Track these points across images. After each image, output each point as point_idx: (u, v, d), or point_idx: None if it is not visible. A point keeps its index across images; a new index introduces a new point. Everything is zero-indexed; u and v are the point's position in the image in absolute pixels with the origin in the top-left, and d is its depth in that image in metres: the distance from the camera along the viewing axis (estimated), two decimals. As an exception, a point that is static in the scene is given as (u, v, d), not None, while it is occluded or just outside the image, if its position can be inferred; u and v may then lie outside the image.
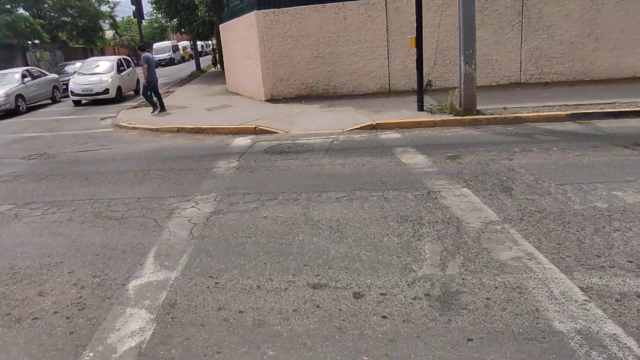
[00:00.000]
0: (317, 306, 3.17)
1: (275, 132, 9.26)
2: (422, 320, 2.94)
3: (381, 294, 3.26)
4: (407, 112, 9.70)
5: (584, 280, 3.23)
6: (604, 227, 4.00)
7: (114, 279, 3.81)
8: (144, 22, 31.29)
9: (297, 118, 10.31)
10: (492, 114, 8.94)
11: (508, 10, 11.67)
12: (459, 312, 2.98)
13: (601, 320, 2.81)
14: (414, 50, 9.49)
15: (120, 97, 17.57)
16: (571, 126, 8.09)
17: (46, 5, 29.64)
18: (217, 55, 31.02)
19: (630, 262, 3.42)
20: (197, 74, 28.10)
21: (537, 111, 8.90)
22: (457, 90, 9.21)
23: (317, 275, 3.56)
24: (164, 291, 3.53)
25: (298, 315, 3.08)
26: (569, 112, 8.66)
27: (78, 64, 21.68)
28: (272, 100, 12.88)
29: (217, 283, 3.59)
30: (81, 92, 17.00)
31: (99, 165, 7.89)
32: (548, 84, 11.85)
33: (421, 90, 9.66)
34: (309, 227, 4.49)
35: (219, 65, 29.75)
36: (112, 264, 4.09)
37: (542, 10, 11.58)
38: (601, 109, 8.72)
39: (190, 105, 14.04)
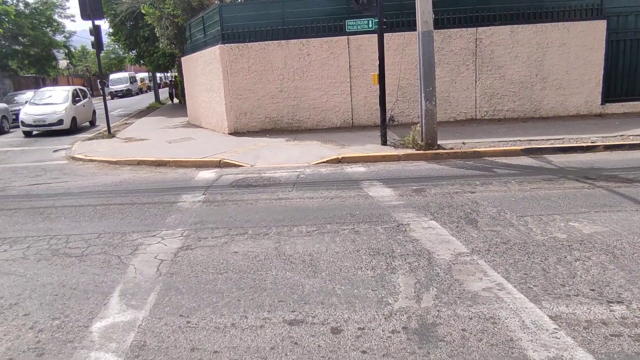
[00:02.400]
0: (295, 343, 3.11)
1: (240, 166, 9.21)
2: (401, 353, 2.93)
3: (359, 328, 3.23)
4: (371, 147, 9.92)
5: (552, 309, 3.34)
6: (566, 257, 4.18)
7: (75, 321, 3.59)
8: (102, 53, 30.84)
9: (263, 151, 10.32)
10: (452, 148, 9.28)
11: (463, 50, 12.32)
12: (437, 345, 3.00)
13: (572, 348, 2.90)
14: (376, 86, 9.81)
15: (75, 129, 17.06)
16: (526, 160, 8.51)
17: (-4, 33, 28.77)
18: (176, 87, 29.87)
19: (593, 290, 3.58)
20: (156, 106, 27.76)
21: (494, 146, 9.32)
22: (418, 125, 9.54)
23: (294, 311, 3.51)
24: (131, 332, 3.36)
25: (276, 354, 3.00)
26: (523, 147, 9.12)
27: (29, 94, 20.97)
28: (235, 133, 12.86)
29: (188, 322, 3.46)
30: (32, 123, 16.36)
31: (54, 200, 7.54)
32: (501, 120, 12.47)
33: (384, 125, 9.94)
34: (282, 261, 4.44)
35: (177, 100, 29.18)
36: (72, 304, 3.87)
37: (493, 52, 12.30)
38: (552, 144, 9.25)
39: (150, 138, 13.78)
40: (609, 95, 12.60)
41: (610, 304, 3.37)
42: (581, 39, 12.17)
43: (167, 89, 29.92)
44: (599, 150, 8.92)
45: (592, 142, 9.22)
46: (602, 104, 12.55)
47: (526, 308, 3.36)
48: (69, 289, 4.15)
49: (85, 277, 4.37)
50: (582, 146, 9.06)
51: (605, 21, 12.09)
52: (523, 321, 3.21)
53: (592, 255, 4.19)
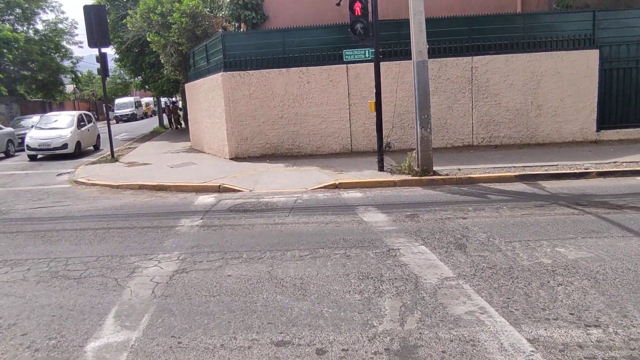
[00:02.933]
0: (281, 364, 3.22)
1: (239, 191, 9.39)
2: (382, 375, 3.04)
3: (343, 349, 3.34)
4: (368, 172, 10.10)
5: (531, 332, 3.45)
6: (549, 282, 4.29)
7: (71, 341, 3.72)
8: (107, 78, 31.46)
9: (262, 177, 10.52)
10: (448, 174, 9.45)
11: (459, 78, 12.62)
12: (418, 367, 3.11)
13: (548, 371, 3.00)
14: (374, 113, 10.05)
15: (79, 153, 17.37)
16: (519, 186, 8.65)
17: (6, 59, 29.47)
18: (174, 112, 29.43)
19: (572, 314, 3.68)
20: (160, 130, 28.19)
21: (489, 172, 9.48)
22: (414, 151, 9.73)
23: (281, 333, 3.62)
24: (124, 352, 3.48)
25: (262, 374, 3.11)
26: (517, 173, 9.29)
27: (35, 118, 21.43)
28: (236, 158, 13.09)
29: (179, 342, 3.58)
30: (38, 147, 16.70)
31: (55, 223, 7.71)
32: (498, 146, 12.68)
33: (381, 151, 10.15)
34: (273, 285, 4.57)
35: (179, 125, 29.05)
36: (69, 325, 3.99)
37: (489, 80, 12.60)
38: (545, 170, 9.41)
39: (152, 162, 14.04)
40: (603, 123, 12.81)
41: (588, 328, 3.47)
42: (575, 68, 12.46)
43: (173, 114, 29.70)
44: (592, 176, 9.07)
45: (585, 169, 9.38)
46: (597, 130, 12.77)
47: (506, 331, 3.47)
48: (67, 310, 4.28)
49: (82, 299, 4.50)
50: (576, 172, 9.21)
51: (597, 50, 12.40)
52: (502, 344, 3.31)
53: (574, 280, 4.30)
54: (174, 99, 41.46)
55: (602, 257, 4.84)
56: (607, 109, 12.77)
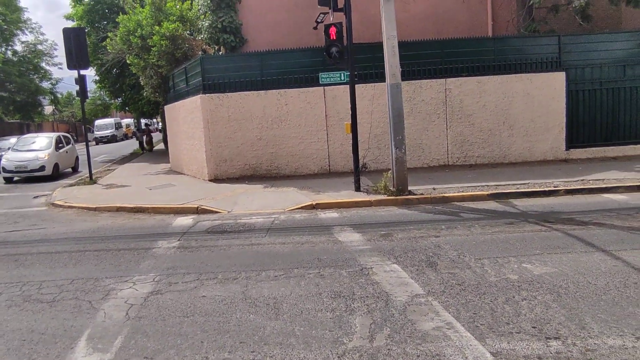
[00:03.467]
0: (251, 382, 3.28)
1: (217, 212, 9.43)
2: (350, 390, 3.12)
3: (313, 367, 3.42)
4: (345, 193, 10.26)
5: (495, 345, 3.58)
6: (514, 297, 4.46)
7: (42, 365, 3.72)
8: (87, 100, 31.18)
9: (240, 198, 10.58)
10: (422, 194, 9.66)
11: (433, 100, 12.98)
12: (385, 382, 3.20)
13: (509, 382, 3.12)
14: (351, 135, 10.27)
15: (57, 175, 17.17)
16: (492, 205, 8.90)
17: (-17, 80, 29.27)
18: (147, 134, 27.95)
19: (534, 327, 3.84)
20: (140, 152, 28.00)
21: (462, 191, 9.73)
22: (390, 172, 9.94)
23: (253, 352, 3.68)
24: (96, 375, 3.50)
25: (232, 392, 3.17)
26: (490, 192, 9.55)
27: (12, 140, 21.15)
28: (215, 180, 13.14)
29: (152, 364, 3.61)
30: (14, 169, 16.48)
31: (30, 247, 7.63)
32: (472, 166, 13.01)
33: (358, 172, 10.34)
34: (247, 305, 4.63)
35: (151, 147, 27.72)
36: (40, 349, 3.98)
37: (462, 101, 12.99)
38: (517, 189, 9.70)
39: (131, 184, 13.97)
40: (572, 142, 13.28)
41: (548, 340, 3.62)
42: (543, 89, 12.96)
43: (145, 136, 28.18)
44: (561, 194, 9.38)
45: (554, 187, 9.70)
46: (566, 149, 13.22)
47: (471, 345, 3.60)
48: (38, 334, 4.27)
49: (54, 322, 4.49)
50: (545, 190, 9.52)
51: (564, 73, 12.93)
52: (466, 358, 3.44)
53: (538, 295, 4.48)
54: (145, 120, 41.08)
55: (565, 272, 5.04)
56: (575, 128, 13.26)
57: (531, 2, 13.51)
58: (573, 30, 14.57)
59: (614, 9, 15.40)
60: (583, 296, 4.40)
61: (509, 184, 10.09)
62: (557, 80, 12.93)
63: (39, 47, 35.70)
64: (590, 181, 10.04)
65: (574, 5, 13.54)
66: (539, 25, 13.96)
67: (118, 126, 46.76)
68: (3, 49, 33.54)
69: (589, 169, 11.48)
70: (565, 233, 6.60)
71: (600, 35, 13.42)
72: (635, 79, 13.10)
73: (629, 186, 9.47)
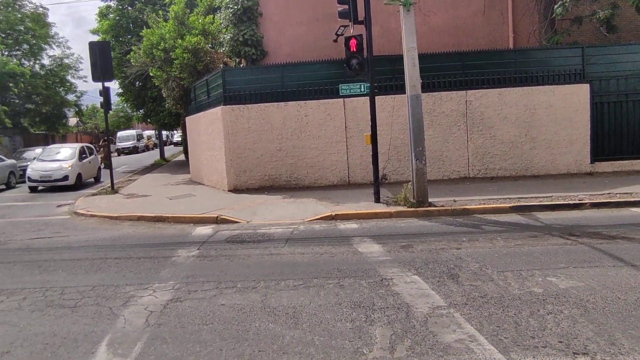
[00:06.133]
0: (271, 391, 3.24)
1: (237, 222, 9.46)
2: (371, 402, 3.05)
3: (333, 377, 3.37)
4: (364, 204, 10.20)
5: (519, 359, 3.48)
6: (539, 310, 4.33)
7: (63, 369, 3.74)
8: (110, 112, 31.73)
9: (259, 208, 10.61)
10: (443, 206, 9.54)
11: (454, 112, 12.89)
12: (406, 394, 3.13)
13: (536, 398, 3.02)
14: (371, 146, 10.24)
15: (80, 184, 17.51)
16: (514, 217, 8.74)
17: (11, 93, 30.08)
18: (106, 146, 22.65)
19: (561, 342, 3.72)
20: (161, 163, 28.44)
21: (484, 203, 9.58)
22: (410, 183, 9.86)
23: (272, 361, 3.65)
24: (115, 380, 3.50)
25: (251, 401, 3.13)
26: (512, 204, 9.38)
27: (38, 150, 21.68)
28: (235, 190, 13.22)
29: (171, 370, 3.60)
30: (39, 179, 16.86)
31: (53, 253, 7.77)
32: (494, 178, 12.82)
33: (377, 183, 10.28)
34: (266, 314, 4.60)
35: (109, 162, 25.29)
36: (62, 352, 4.02)
37: (483, 113, 12.86)
38: (540, 201, 9.51)
39: (152, 194, 14.15)
40: (597, 154, 12.99)
41: (576, 355, 3.50)
42: (567, 101, 12.75)
43: (171, 146, 27.06)
44: (586, 207, 9.16)
45: (579, 200, 9.48)
46: (591, 162, 12.94)
47: (494, 359, 3.50)
48: (60, 338, 4.31)
49: (76, 327, 4.53)
50: (570, 204, 9.31)
51: (588, 85, 12.72)
52: (491, 371, 3.34)
53: (564, 309, 4.34)
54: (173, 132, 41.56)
55: (592, 287, 4.88)
56: (600, 141, 12.98)
57: (553, 14, 13.36)
58: (597, 42, 14.34)
59: (640, 20, 15.12)
60: (612, 311, 4.26)
61: (531, 197, 9.90)
62: (581, 92, 12.71)
63: (65, 60, 36.69)
64: (617, 195, 9.78)
65: (598, 16, 13.32)
66: (562, 37, 13.77)
67: (139, 138, 47.65)
68: (31, 63, 34.59)
69: (615, 182, 11.20)
70: (591, 247, 6.42)
71: (626, 46, 13.18)
72: (663, 91, 12.81)
73: (658, 200, 9.21)
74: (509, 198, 9.93)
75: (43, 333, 4.45)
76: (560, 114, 12.79)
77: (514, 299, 4.63)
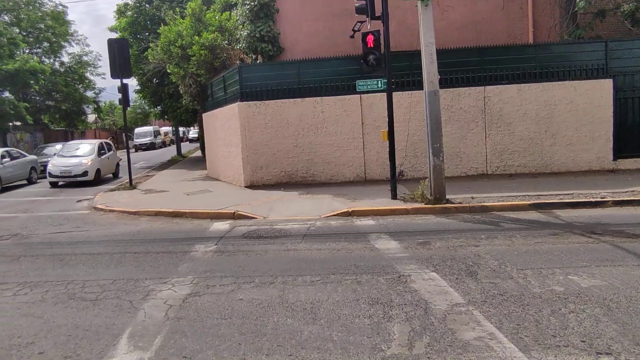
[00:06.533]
0: (289, 386, 3.25)
1: (254, 218, 9.51)
2: (390, 398, 3.04)
3: (351, 373, 3.36)
4: (381, 200, 10.15)
5: (541, 358, 3.42)
6: (560, 309, 4.26)
7: (85, 359, 3.81)
8: (128, 108, 32.09)
9: (276, 204, 10.64)
10: (461, 203, 9.45)
11: (472, 108, 12.74)
12: (426, 391, 3.11)
13: (558, 397, 2.97)
14: (387, 142, 10.18)
15: (99, 180, 17.79)
16: (533, 215, 8.60)
17: (32, 90, 30.66)
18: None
19: (583, 341, 3.65)
20: (178, 159, 28.70)
21: (502, 201, 9.45)
22: (427, 180, 9.78)
23: (290, 355, 3.66)
24: (137, 372, 3.55)
25: (270, 395, 3.14)
26: (531, 202, 9.24)
27: (58, 146, 22.07)
28: (251, 186, 13.28)
29: (190, 363, 3.63)
30: (59, 174, 17.16)
31: (74, 247, 7.90)
32: (512, 175, 12.65)
33: (394, 180, 10.22)
34: (284, 309, 4.62)
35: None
36: (84, 344, 4.09)
37: (502, 109, 12.69)
38: (560, 199, 9.35)
39: (169, 190, 14.30)
40: (621, 152, 12.72)
41: (599, 355, 3.44)
42: (588, 97, 12.50)
43: (185, 143, 27.80)
44: (608, 205, 8.98)
45: (601, 198, 9.29)
46: (614, 159, 12.67)
47: (515, 357, 3.45)
48: (82, 330, 4.39)
49: (98, 320, 4.61)
50: (591, 201, 9.13)
51: (611, 80, 12.45)
52: (511, 370, 3.30)
53: (587, 308, 4.27)
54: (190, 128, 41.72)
55: (616, 286, 4.79)
56: (623, 137, 12.69)
57: (575, 8, 13.09)
58: (621, 36, 14.01)
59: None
60: (636, 311, 4.17)
61: (551, 194, 9.74)
62: (603, 88, 12.45)
63: (84, 58, 37.28)
64: (640, 192, 9.56)
65: (622, 10, 13.01)
66: (584, 31, 13.49)
67: (157, 134, 48.16)
68: (51, 60, 35.20)
69: (638, 180, 10.95)
70: (614, 245, 6.29)
71: (651, 40, 12.86)
72: (689, 86, 12.47)
73: (683, 198, 8.98)
74: (528, 195, 9.78)
75: (66, 325, 4.53)
76: (582, 109, 12.55)
77: (535, 297, 4.57)
